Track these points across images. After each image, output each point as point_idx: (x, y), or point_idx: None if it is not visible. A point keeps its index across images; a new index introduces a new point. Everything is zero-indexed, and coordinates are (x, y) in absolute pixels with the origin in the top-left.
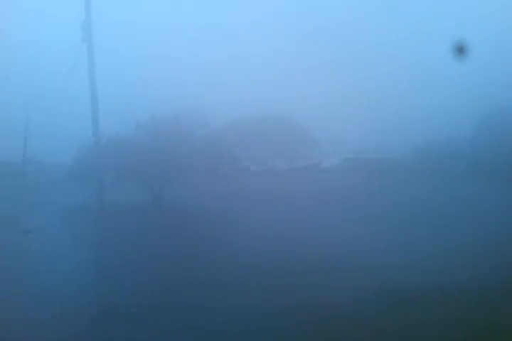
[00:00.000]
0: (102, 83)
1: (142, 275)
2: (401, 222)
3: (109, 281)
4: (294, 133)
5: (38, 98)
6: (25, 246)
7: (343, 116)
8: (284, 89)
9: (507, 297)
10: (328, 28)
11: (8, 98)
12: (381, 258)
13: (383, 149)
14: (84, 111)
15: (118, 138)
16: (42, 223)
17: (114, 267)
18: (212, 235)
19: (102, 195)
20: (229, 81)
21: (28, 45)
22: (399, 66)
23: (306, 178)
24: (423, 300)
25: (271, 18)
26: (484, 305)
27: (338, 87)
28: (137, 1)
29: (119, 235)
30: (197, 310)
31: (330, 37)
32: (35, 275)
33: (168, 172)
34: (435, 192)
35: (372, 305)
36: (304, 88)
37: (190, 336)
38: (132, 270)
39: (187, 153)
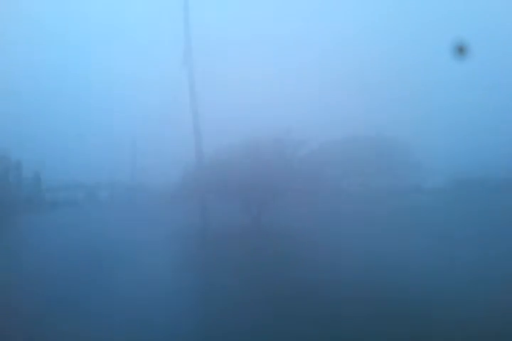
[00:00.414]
0: (203, 106)
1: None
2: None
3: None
4: (395, 154)
5: (142, 123)
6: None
7: (445, 135)
8: (383, 109)
9: None
10: None
11: (113, 123)
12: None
13: (489, 169)
14: (186, 135)
15: (219, 160)
16: (146, 243)
17: (215, 287)
18: (309, 257)
19: (204, 216)
20: (328, 102)
21: (131, 72)
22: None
23: (405, 199)
24: None
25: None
26: None
27: (442, 107)
28: (236, 24)
29: (219, 257)
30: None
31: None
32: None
33: (268, 193)
34: None
35: None
36: (406, 108)
37: None
38: (235, 292)
39: (286, 174)
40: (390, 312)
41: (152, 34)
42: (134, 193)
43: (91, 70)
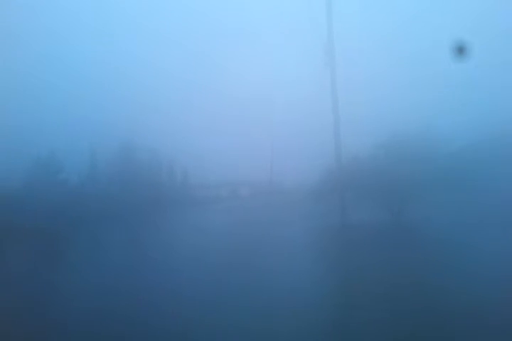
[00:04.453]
0: (342, 105)
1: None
2: None
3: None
4: None
5: (281, 123)
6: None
7: None
8: None
9: None
10: None
11: (253, 123)
12: None
13: None
14: (326, 134)
15: (359, 158)
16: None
17: (356, 282)
18: (450, 256)
19: (344, 214)
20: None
21: (271, 72)
22: None
23: None
24: None
25: None
26: None
27: None
28: (379, 22)
29: (360, 254)
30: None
31: None
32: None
33: (408, 191)
34: None
35: None
36: None
37: None
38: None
39: (429, 172)
40: None
41: (293, 33)
42: (273, 191)
43: (227, 70)
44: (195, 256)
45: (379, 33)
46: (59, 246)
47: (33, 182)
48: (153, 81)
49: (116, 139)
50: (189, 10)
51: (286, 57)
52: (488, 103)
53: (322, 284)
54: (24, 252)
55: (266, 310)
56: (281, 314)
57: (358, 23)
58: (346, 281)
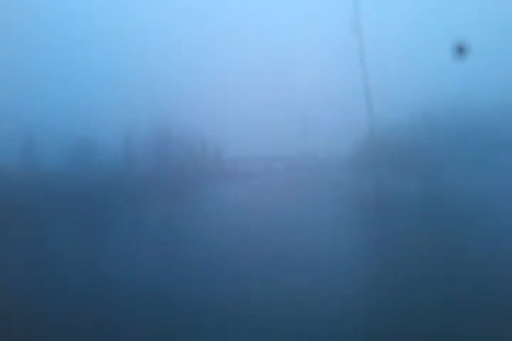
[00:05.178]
0: (373, 75)
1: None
2: None
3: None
4: None
5: (313, 94)
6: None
7: None
8: None
9: None
10: None
11: (285, 96)
12: None
13: None
14: (357, 104)
15: (393, 128)
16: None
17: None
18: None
19: (379, 186)
20: None
21: (299, 44)
22: None
23: None
24: None
25: None
26: None
27: None
28: None
29: (396, 225)
30: None
31: None
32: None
33: (444, 162)
34: None
35: None
36: None
37: None
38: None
39: (465, 143)
40: None
41: (320, 2)
42: (307, 164)
43: (256, 41)
44: (232, 231)
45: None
46: (101, 228)
47: (72, 164)
48: (186, 58)
49: (150, 118)
50: None
51: (312, 27)
52: None
53: (360, 256)
54: (67, 233)
55: (305, 282)
56: (320, 282)
57: None
58: (383, 253)
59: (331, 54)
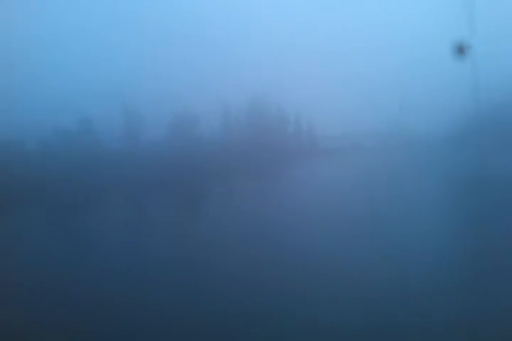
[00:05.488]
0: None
1: None
2: None
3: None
4: None
5: (411, 71)
6: None
7: None
8: None
9: None
10: None
11: (384, 76)
12: None
13: None
14: (461, 81)
15: (498, 102)
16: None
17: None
18: None
19: (481, 163)
20: None
21: (395, 25)
22: None
23: None
24: None
25: None
26: None
27: None
28: None
29: (498, 205)
30: None
31: None
32: None
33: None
34: None
35: None
36: None
37: None
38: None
39: None
40: None
41: None
42: (402, 143)
43: (352, 22)
44: (321, 208)
45: None
46: (195, 200)
47: (171, 135)
48: (278, 38)
49: (245, 96)
50: None
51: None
52: None
53: (459, 237)
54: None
55: (400, 261)
56: (415, 261)
57: None
58: (483, 233)
59: (433, 32)
